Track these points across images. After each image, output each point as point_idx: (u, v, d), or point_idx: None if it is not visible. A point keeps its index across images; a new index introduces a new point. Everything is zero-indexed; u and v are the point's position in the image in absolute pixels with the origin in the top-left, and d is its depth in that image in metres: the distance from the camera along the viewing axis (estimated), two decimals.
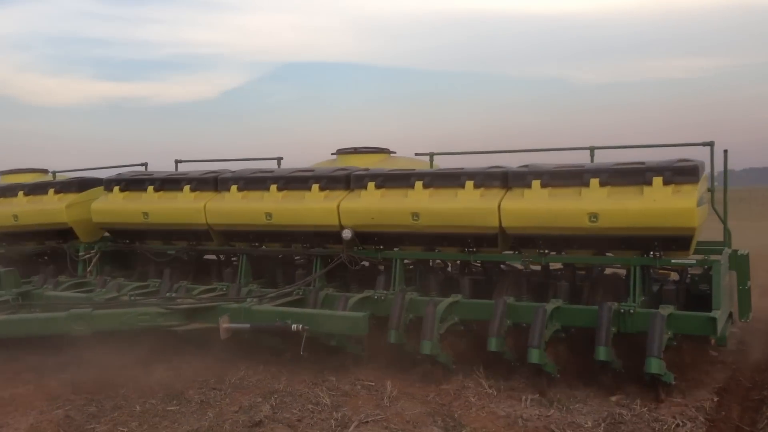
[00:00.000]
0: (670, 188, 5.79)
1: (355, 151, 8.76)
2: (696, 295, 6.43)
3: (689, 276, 6.58)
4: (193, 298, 6.69)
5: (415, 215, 6.67)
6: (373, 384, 5.92)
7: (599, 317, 5.57)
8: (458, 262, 7.36)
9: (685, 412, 5.09)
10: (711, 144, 6.72)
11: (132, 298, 6.62)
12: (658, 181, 5.82)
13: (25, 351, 6.87)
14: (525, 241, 6.47)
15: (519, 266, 7.11)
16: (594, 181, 6.05)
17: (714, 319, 5.38)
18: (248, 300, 6.53)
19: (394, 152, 9.03)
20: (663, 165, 5.91)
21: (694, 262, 5.92)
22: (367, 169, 7.35)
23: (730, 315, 6.55)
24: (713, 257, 6.11)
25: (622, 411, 5.16)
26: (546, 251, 6.38)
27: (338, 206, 7.04)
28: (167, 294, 7.07)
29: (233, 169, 8.21)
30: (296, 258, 7.94)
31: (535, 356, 5.52)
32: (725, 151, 6.59)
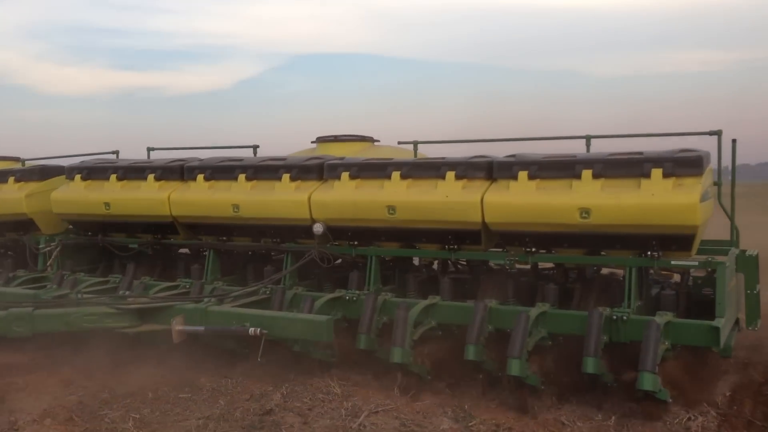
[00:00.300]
0: (670, 181, 5.23)
1: (336, 139, 8.24)
2: (699, 300, 5.88)
3: (691, 279, 6.02)
4: (147, 296, 6.18)
5: (391, 209, 6.14)
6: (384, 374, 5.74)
7: (588, 325, 5.04)
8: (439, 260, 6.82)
9: (697, 406, 4.99)
10: (718, 133, 6.14)
11: (80, 296, 6.12)
12: (657, 173, 5.26)
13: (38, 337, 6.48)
14: (511, 238, 5.92)
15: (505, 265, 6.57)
16: (586, 173, 5.50)
17: (717, 329, 4.83)
18: (205, 300, 6.02)
19: (378, 140, 8.51)
20: (663, 155, 5.35)
21: (696, 263, 5.36)
22: (342, 158, 6.81)
23: (737, 322, 5.99)
24: (718, 258, 5.55)
25: (632, 404, 4.99)
26: (533, 249, 5.83)
27: (309, 198, 6.53)
28: (120, 292, 6.57)
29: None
30: (273, 254, 7.43)
31: (515, 368, 4.98)
32: (734, 141, 6.02)
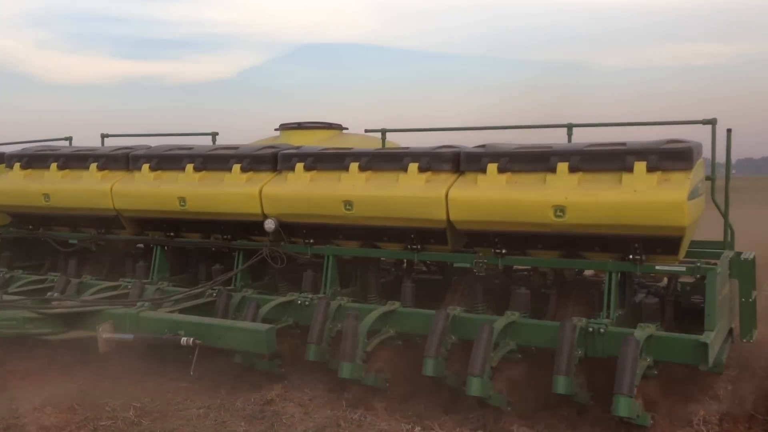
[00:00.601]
0: (655, 176, 4.67)
1: (299, 126, 7.67)
2: (688, 308, 5.33)
3: (679, 285, 5.46)
4: (76, 300, 5.62)
5: (348, 204, 5.58)
6: None
7: (559, 339, 4.48)
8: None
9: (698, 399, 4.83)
10: (712, 122, 5.57)
11: (2, 298, 5.56)
12: (640, 167, 4.70)
13: None
14: (479, 238, 5.36)
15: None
16: (562, 166, 4.93)
17: (705, 345, 4.27)
18: (139, 304, 5.46)
19: (347, 128, 7.94)
20: (647, 147, 4.79)
21: (683, 269, 4.80)
22: (298, 148, 6.25)
23: (731, 332, 5.44)
24: (709, 263, 4.99)
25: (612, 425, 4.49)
26: (503, 251, 5.27)
27: (260, 191, 5.96)
28: (49, 294, 6.02)
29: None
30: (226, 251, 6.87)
31: (475, 387, 4.43)
32: (728, 131, 5.44)
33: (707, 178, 5.52)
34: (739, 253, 5.50)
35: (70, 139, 8.81)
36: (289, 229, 6.02)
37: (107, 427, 4.72)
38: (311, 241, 6.01)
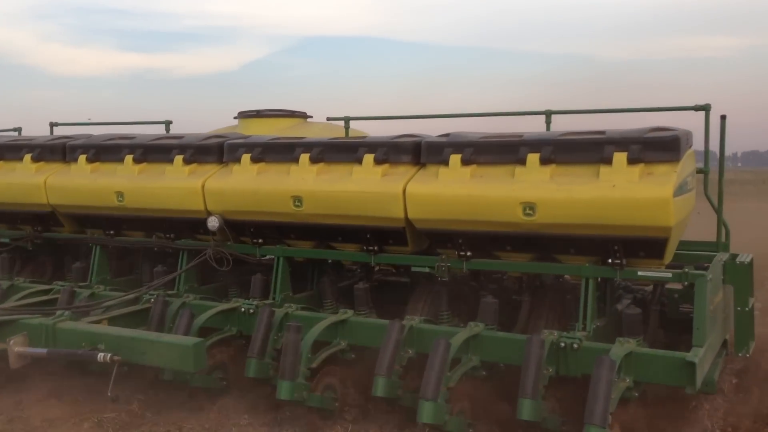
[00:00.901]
0: (637, 169, 4.12)
1: (258, 114, 7.10)
2: (677, 318, 4.79)
3: (665, 291, 4.90)
4: None
5: (297, 200, 5.03)
6: None
7: (526, 356, 3.93)
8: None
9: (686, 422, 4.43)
10: (705, 108, 5.01)
11: None
12: (620, 158, 4.15)
13: None
14: (441, 238, 4.81)
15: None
16: (532, 158, 4.38)
17: (692, 365, 3.73)
18: (58, 313, 4.91)
19: (311, 117, 7.38)
20: (628, 136, 4.23)
21: (668, 275, 4.25)
22: (246, 137, 5.70)
23: (725, 344, 4.89)
24: (701, 267, 4.45)
25: None
26: (467, 254, 4.72)
27: (203, 185, 5.41)
28: None
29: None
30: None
31: (427, 413, 3.89)
32: (722, 118, 4.87)
33: (699, 171, 4.97)
34: (734, 256, 4.95)
35: (19, 129, 8.28)
36: (236, 227, 5.47)
37: (111, 420, 4.59)
38: (260, 241, 5.46)
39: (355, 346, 4.75)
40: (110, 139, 6.08)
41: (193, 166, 5.59)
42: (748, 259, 4.76)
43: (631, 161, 4.12)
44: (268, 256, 5.47)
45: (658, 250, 4.19)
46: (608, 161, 4.17)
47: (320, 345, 4.65)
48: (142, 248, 6.18)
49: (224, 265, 5.48)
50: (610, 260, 4.29)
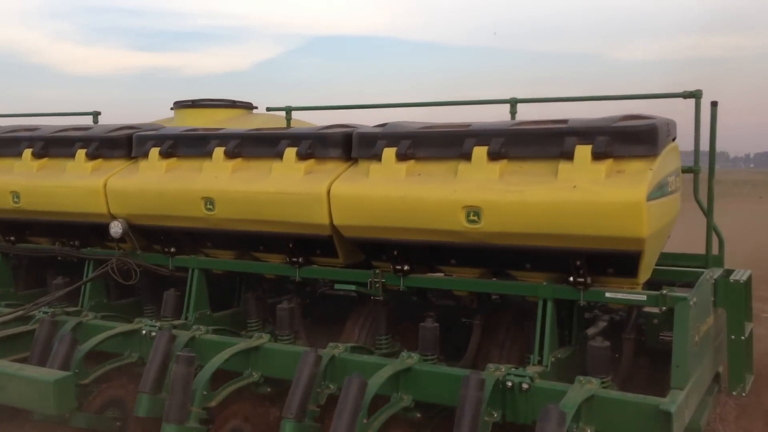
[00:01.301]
0: (603, 166, 3.36)
1: (194, 104, 6.36)
2: (658, 349, 4.03)
3: (642, 315, 4.13)
4: None
5: (209, 202, 4.30)
6: None
7: (461, 398, 3.17)
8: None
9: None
10: (696, 95, 4.25)
11: None
12: (583, 152, 3.40)
13: None
14: (374, 249, 4.07)
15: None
16: (479, 152, 3.64)
17: (667, 414, 2.96)
18: None
19: (256, 107, 6.63)
20: (594, 125, 3.48)
21: (642, 298, 3.48)
22: (158, 128, 4.97)
23: (717, 377, 4.12)
24: (689, 285, 3.70)
25: None
26: (405, 268, 3.98)
27: (105, 184, 4.68)
28: None
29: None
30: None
31: None
32: (713, 104, 4.11)
33: (688, 170, 4.21)
34: (728, 272, 4.18)
35: None
36: (146, 234, 4.74)
37: None
38: (172, 250, 4.73)
39: (271, 379, 4.01)
40: (11, 131, 5.35)
41: (98, 161, 4.87)
42: (744, 277, 3.98)
43: (597, 156, 3.37)
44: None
45: (631, 267, 3.43)
46: (569, 156, 3.43)
47: (230, 377, 3.92)
48: (48, 257, 5.45)
49: (132, 277, 4.74)
50: (572, 278, 3.53)
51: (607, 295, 3.50)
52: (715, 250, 4.32)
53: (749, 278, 4.12)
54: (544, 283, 3.64)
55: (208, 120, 6.22)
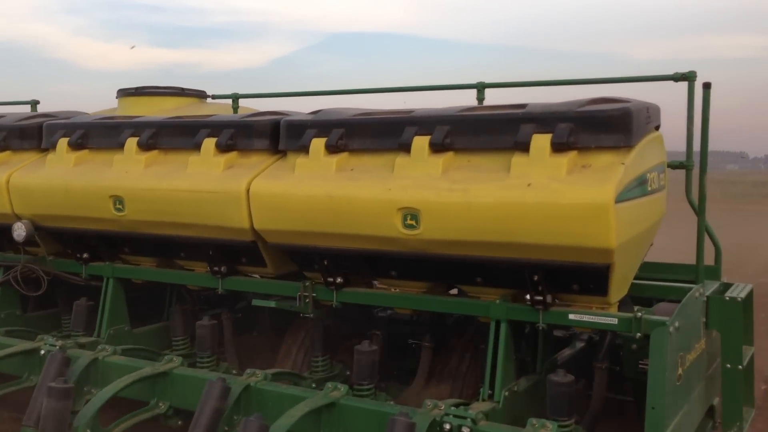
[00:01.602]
0: (564, 159, 2.77)
1: (137, 92, 5.79)
2: (641, 380, 3.42)
3: (616, 341, 3.51)
4: None
5: (118, 201, 3.74)
6: None
7: None
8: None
9: None
10: (689, 77, 3.62)
11: None
12: (541, 142, 2.81)
13: None
14: (303, 259, 3.50)
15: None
16: (420, 143, 3.06)
17: None
18: None
19: (210, 96, 6.05)
20: (556, 110, 2.89)
21: (612, 322, 2.87)
22: (71, 116, 4.42)
23: (711, 411, 3.51)
24: (672, 302, 3.10)
25: None
26: (338, 280, 3.41)
27: (8, 180, 4.14)
28: None
29: None
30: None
31: None
32: (706, 86, 3.48)
33: (679, 165, 3.60)
34: (726, 286, 3.57)
35: None
36: (57, 237, 4.20)
37: None
38: (86, 255, 4.18)
39: (182, 410, 3.45)
40: None
41: (6, 154, 4.35)
42: (743, 293, 3.36)
43: (557, 147, 2.79)
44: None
45: (599, 283, 2.84)
46: (524, 147, 2.84)
47: (135, 407, 3.38)
48: None
49: (41, 287, 4.20)
50: (528, 296, 2.95)
51: (571, 317, 2.90)
52: (710, 260, 3.71)
53: (750, 294, 3.51)
54: (497, 301, 3.05)
55: (153, 109, 5.63)
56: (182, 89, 5.94)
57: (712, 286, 3.47)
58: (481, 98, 4.29)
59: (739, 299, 3.25)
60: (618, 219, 2.63)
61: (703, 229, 3.39)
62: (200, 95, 6.06)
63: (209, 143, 3.59)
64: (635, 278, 3.28)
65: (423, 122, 3.11)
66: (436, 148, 3.02)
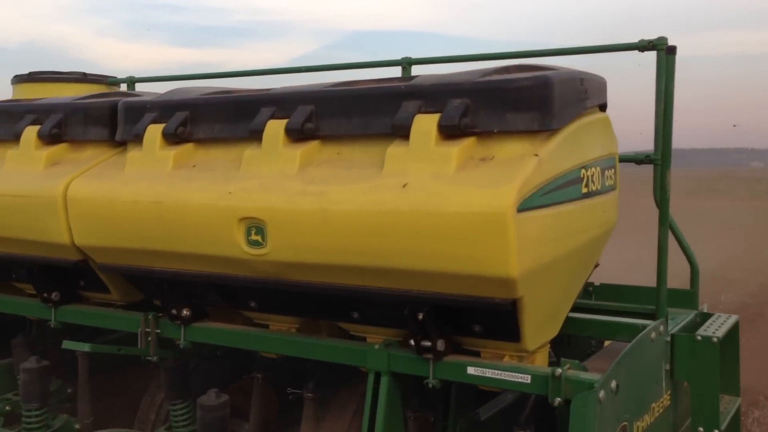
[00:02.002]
0: (455, 149, 2.00)
1: (30, 77, 5.04)
2: None
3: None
4: None
5: None
6: None
7: None
8: None
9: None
10: (658, 45, 2.78)
11: None
12: (424, 126, 2.04)
13: None
14: (142, 285, 2.72)
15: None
16: (275, 128, 2.29)
17: None
18: None
19: (119, 84, 5.29)
20: (449, 83, 2.10)
21: (524, 380, 2.07)
22: None
23: None
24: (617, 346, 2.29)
25: None
26: (185, 313, 2.63)
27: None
28: None
29: None
30: None
31: None
32: (670, 51, 2.64)
33: (644, 160, 2.78)
34: (702, 317, 2.76)
35: None
36: None
37: None
38: None
39: None
40: None
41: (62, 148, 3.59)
42: (722, 329, 2.54)
43: (447, 132, 2.01)
44: None
45: (506, 325, 2.05)
46: (404, 133, 2.06)
47: None
48: None
49: None
50: (412, 341, 2.16)
51: (470, 371, 2.11)
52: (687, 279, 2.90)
53: (734, 328, 2.70)
54: (376, 347, 2.26)
55: (49, 94, 4.91)
56: (84, 74, 5.18)
57: (681, 320, 2.66)
58: (405, 74, 3.50)
59: (715, 339, 2.44)
60: (524, 235, 1.85)
61: (665, 243, 2.55)
62: (103, 81, 5.29)
63: (30, 133, 2.83)
64: (582, 308, 2.50)
65: (282, 101, 2.33)
66: (295, 135, 2.25)
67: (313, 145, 2.26)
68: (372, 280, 2.09)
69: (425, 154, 2.01)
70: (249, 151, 2.32)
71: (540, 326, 2.12)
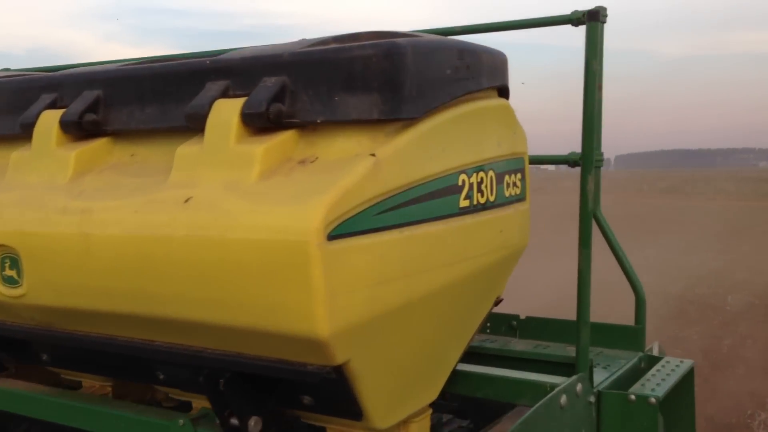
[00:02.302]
0: (261, 147, 1.41)
1: None
2: None
3: None
4: None
5: None
6: None
7: None
8: None
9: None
10: (589, 18, 2.17)
11: None
12: (224, 114, 1.45)
13: None
14: None
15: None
16: (48, 121, 1.70)
17: None
18: None
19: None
20: (262, 56, 1.52)
21: None
22: None
23: None
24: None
25: None
26: None
27: None
28: None
29: None
30: None
31: None
32: (592, 17, 2.05)
33: (566, 160, 2.17)
34: (649, 362, 2.17)
35: None
36: None
37: None
38: None
39: None
40: None
41: None
42: (665, 385, 1.94)
43: (254, 124, 1.42)
44: None
45: (340, 398, 1.45)
46: (197, 124, 1.47)
47: None
48: None
49: None
50: (218, 418, 1.56)
51: None
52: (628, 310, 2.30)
53: (685, 379, 2.10)
54: (182, 422, 1.66)
55: None
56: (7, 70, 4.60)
57: (618, 368, 2.07)
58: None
59: (653, 400, 1.84)
60: (342, 272, 1.26)
61: (587, 271, 1.93)
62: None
63: None
64: (489, 354, 1.91)
65: (65, 85, 1.74)
66: (73, 130, 1.66)
67: (99, 144, 1.68)
68: (155, 333, 1.50)
69: (221, 155, 1.42)
70: (17, 153, 1.73)
71: (394, 395, 1.53)
